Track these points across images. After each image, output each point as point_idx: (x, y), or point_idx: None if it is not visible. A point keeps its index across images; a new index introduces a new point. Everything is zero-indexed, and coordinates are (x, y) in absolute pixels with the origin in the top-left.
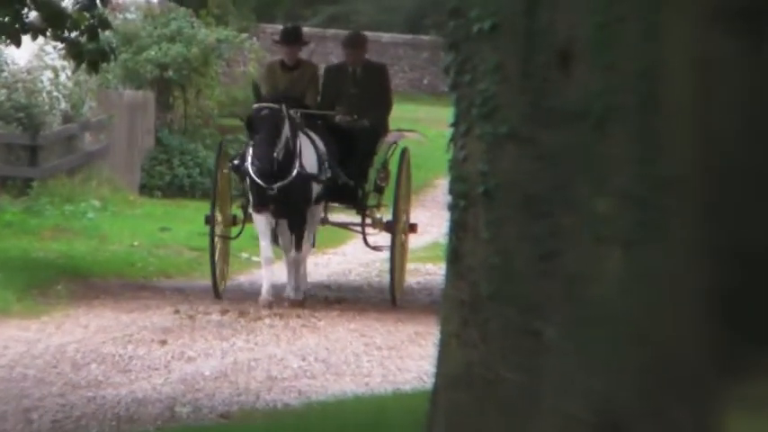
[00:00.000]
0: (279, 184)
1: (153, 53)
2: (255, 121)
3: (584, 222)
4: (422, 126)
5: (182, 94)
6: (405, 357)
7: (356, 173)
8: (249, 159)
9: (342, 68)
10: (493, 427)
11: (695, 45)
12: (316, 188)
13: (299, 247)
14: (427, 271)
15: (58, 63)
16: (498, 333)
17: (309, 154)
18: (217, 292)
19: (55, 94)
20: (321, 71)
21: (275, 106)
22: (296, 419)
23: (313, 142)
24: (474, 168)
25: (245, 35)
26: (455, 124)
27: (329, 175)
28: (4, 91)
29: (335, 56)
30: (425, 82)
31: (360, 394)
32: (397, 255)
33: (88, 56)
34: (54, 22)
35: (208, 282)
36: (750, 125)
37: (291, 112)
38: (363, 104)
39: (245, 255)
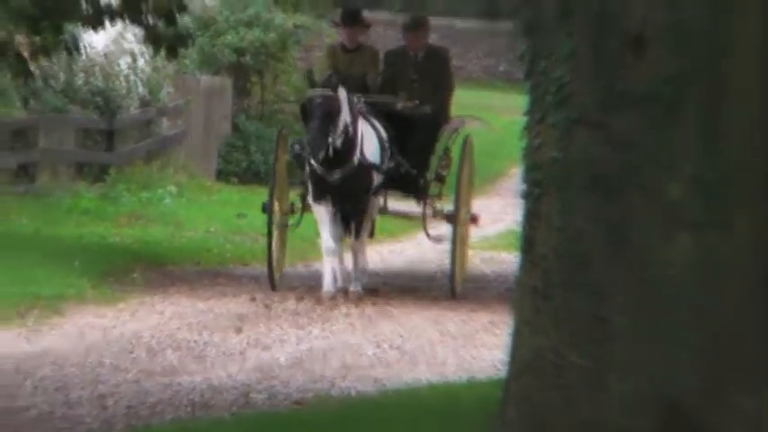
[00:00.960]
0: (339, 172)
1: (230, 38)
2: (309, 109)
3: (654, 206)
4: (493, 114)
5: (259, 79)
6: (479, 346)
7: (417, 161)
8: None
9: (403, 53)
10: (560, 412)
11: (762, 32)
12: (377, 178)
13: (357, 235)
14: (502, 259)
15: (136, 48)
16: (568, 320)
17: (371, 142)
18: (273, 284)
19: (132, 78)
20: (382, 55)
21: (329, 93)
22: (370, 407)
23: (375, 129)
24: (548, 156)
25: (322, 20)
26: (529, 112)
27: (391, 164)
28: (81, 75)
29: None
30: (501, 68)
31: (434, 382)
32: (458, 247)
33: (166, 41)
34: (132, 7)
35: (284, 269)
36: None
37: (354, 96)
38: (425, 90)
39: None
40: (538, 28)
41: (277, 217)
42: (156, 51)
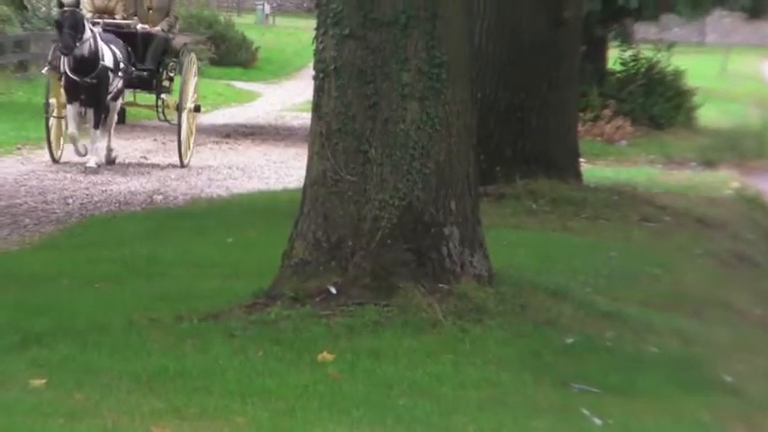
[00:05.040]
0: (89, 77)
1: None
2: (59, 21)
3: (395, 87)
4: (300, 31)
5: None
6: (290, 168)
7: (152, 67)
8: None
9: None
10: (337, 208)
11: None
12: (116, 82)
13: (96, 125)
14: (304, 117)
15: None
16: (342, 152)
17: (108, 57)
18: (53, 158)
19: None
20: None
21: (75, 8)
22: (224, 203)
23: (111, 49)
24: (328, 55)
25: None
26: (318, 29)
27: (121, 74)
28: (55, 8)
29: None
30: (305, 5)
31: (263, 189)
32: (185, 127)
33: None
34: None
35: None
36: (492, 30)
37: (100, 23)
38: (157, 17)
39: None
40: None
41: (54, 111)
42: None
